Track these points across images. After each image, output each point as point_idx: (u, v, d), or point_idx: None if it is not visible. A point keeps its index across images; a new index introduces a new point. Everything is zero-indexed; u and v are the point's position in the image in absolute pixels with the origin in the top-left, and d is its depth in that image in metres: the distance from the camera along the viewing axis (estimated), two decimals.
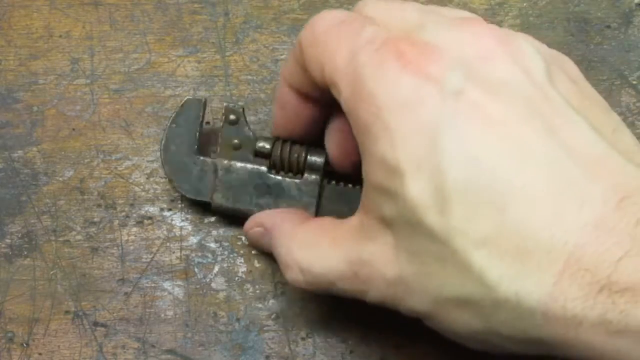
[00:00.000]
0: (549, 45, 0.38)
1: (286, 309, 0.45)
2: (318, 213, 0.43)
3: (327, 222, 0.39)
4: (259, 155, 0.43)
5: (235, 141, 0.43)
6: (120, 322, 0.45)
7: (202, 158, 0.44)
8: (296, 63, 0.39)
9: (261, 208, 0.43)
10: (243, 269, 0.46)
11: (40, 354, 0.44)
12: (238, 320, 0.45)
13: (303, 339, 0.45)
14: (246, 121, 0.44)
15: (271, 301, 0.46)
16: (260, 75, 0.50)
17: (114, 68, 0.50)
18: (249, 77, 0.50)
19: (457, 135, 0.31)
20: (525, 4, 0.51)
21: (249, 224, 0.43)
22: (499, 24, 0.50)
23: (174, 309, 0.45)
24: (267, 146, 0.43)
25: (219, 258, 0.46)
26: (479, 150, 0.31)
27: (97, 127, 0.48)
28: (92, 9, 0.51)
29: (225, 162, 0.43)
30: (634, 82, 0.50)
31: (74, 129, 0.48)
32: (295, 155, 0.43)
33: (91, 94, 0.49)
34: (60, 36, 0.50)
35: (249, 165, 0.43)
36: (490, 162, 0.31)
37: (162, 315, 0.45)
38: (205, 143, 0.45)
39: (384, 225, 0.34)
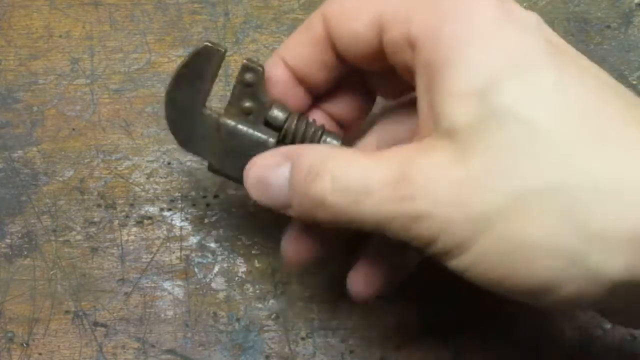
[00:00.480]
0: None
1: (286, 309, 0.45)
2: None
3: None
4: (270, 125, 0.39)
5: (247, 104, 0.39)
6: (120, 322, 0.45)
7: (208, 112, 0.39)
8: (310, 40, 0.39)
9: None
10: (243, 269, 0.46)
11: (40, 354, 0.44)
12: (238, 320, 0.45)
13: (303, 339, 0.45)
14: (263, 84, 0.39)
15: (271, 301, 0.46)
16: None
17: (114, 68, 0.50)
18: None
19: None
20: (525, 4, 0.51)
21: (255, 161, 0.38)
22: None
23: (174, 309, 0.45)
24: (281, 116, 0.39)
25: (219, 258, 0.46)
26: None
27: (97, 127, 0.48)
28: (92, 9, 0.51)
29: (232, 124, 0.39)
30: (634, 82, 0.50)
31: (74, 129, 0.48)
32: (311, 131, 0.39)
33: (91, 94, 0.49)
34: (60, 36, 0.50)
35: (256, 134, 0.39)
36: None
37: (162, 315, 0.45)
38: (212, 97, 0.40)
39: (447, 135, 0.33)
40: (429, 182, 0.32)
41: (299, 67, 0.39)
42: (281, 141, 0.39)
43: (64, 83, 0.49)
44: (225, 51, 0.39)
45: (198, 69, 0.39)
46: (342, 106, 0.42)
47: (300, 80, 0.40)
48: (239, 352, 0.45)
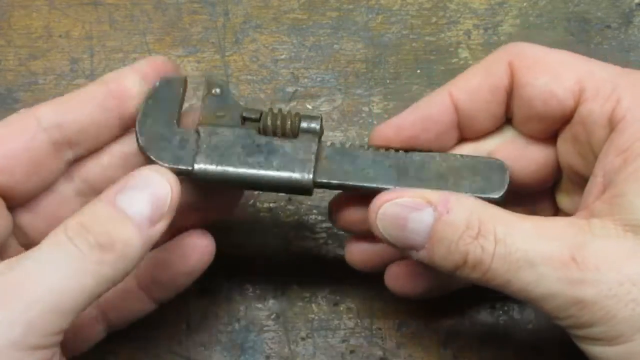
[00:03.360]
0: (549, 45, 0.38)
1: (286, 309, 0.45)
2: (316, 173, 0.38)
3: (529, 215, 0.35)
4: (248, 120, 0.39)
5: (220, 113, 0.39)
6: None
7: (182, 129, 0.38)
8: (489, 87, 0.37)
9: (251, 167, 0.38)
10: (243, 269, 0.46)
11: None
12: (238, 320, 0.45)
13: (303, 339, 0.45)
14: (230, 93, 0.39)
15: (271, 301, 0.46)
16: (260, 75, 0.50)
17: (114, 68, 0.49)
18: (249, 77, 0.50)
19: None
20: (525, 4, 0.51)
21: (385, 197, 0.36)
22: (499, 24, 0.51)
23: (174, 309, 0.45)
24: (256, 111, 0.39)
25: (219, 258, 0.46)
26: None
27: None
28: (92, 8, 0.51)
29: (209, 127, 0.38)
30: None
31: None
32: (289, 120, 0.39)
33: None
34: (60, 36, 0.50)
35: (237, 128, 0.38)
36: None
37: (163, 315, 0.45)
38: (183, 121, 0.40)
39: (628, 228, 0.32)
40: (602, 271, 0.32)
41: (466, 111, 0.38)
42: (261, 132, 0.38)
43: (64, 83, 0.49)
44: (186, 78, 0.39)
45: (164, 97, 0.38)
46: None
47: (461, 122, 0.39)
48: (239, 352, 0.45)
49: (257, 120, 0.39)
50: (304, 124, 0.38)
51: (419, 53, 0.50)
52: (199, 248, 0.40)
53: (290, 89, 0.49)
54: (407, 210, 0.35)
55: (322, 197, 0.47)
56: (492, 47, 0.50)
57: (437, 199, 0.35)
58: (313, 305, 0.46)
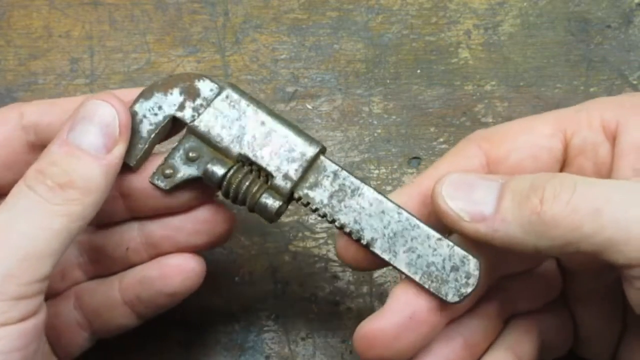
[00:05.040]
0: (549, 45, 0.38)
1: (286, 309, 0.45)
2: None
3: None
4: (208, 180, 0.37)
5: (192, 154, 0.38)
6: None
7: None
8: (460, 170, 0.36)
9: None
10: (243, 269, 0.46)
11: None
12: (238, 320, 0.45)
13: (303, 339, 0.45)
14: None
15: (271, 301, 0.46)
16: (260, 75, 0.50)
17: (114, 68, 0.50)
18: (249, 77, 0.50)
19: None
20: (525, 4, 0.51)
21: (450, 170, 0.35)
22: (499, 24, 0.51)
23: (174, 310, 0.45)
24: (222, 170, 0.37)
25: (219, 258, 0.46)
26: None
27: None
28: (92, 8, 0.51)
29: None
30: (634, 82, 0.49)
31: None
32: (252, 179, 0.37)
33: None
34: (60, 36, 0.50)
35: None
36: None
37: (162, 315, 0.45)
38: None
39: None
40: None
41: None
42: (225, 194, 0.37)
43: (64, 83, 0.49)
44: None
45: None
46: None
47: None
48: (239, 353, 0.45)
49: (219, 182, 0.37)
50: (262, 200, 0.37)
51: (419, 53, 0.50)
52: (183, 270, 0.39)
53: (290, 89, 0.49)
54: (474, 178, 0.34)
55: None
56: (492, 47, 0.50)
57: (499, 176, 0.34)
58: (313, 305, 0.46)
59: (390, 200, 0.36)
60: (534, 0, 0.51)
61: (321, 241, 0.47)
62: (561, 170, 0.37)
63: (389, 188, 0.48)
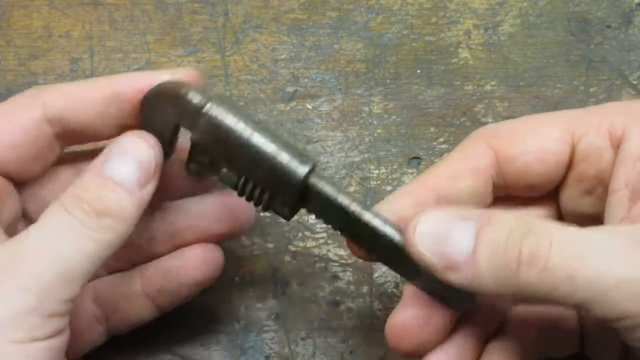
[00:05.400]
0: (550, 45, 0.38)
1: (286, 309, 0.45)
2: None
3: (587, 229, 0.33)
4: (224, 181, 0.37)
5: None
6: None
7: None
8: (469, 172, 0.36)
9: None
10: (243, 269, 0.46)
11: None
12: (238, 320, 0.45)
13: (303, 339, 0.45)
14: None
15: (271, 301, 0.46)
16: (260, 75, 0.50)
17: (114, 68, 0.50)
18: (249, 77, 0.50)
19: None
20: (525, 4, 0.51)
21: (424, 214, 0.33)
22: (499, 24, 0.51)
23: (174, 310, 0.45)
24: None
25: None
26: None
27: None
28: (92, 8, 0.51)
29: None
30: (634, 82, 0.50)
31: None
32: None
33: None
34: (60, 36, 0.50)
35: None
36: None
37: (163, 315, 0.45)
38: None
39: None
40: None
41: (448, 198, 0.36)
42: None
43: None
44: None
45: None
46: None
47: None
48: (239, 353, 0.45)
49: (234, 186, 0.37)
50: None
51: (419, 53, 0.50)
52: (206, 260, 0.40)
53: (290, 89, 0.49)
54: (449, 221, 0.33)
55: None
56: (492, 47, 0.50)
57: (476, 213, 0.33)
58: (313, 305, 0.46)
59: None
60: (534, 0, 0.51)
61: (321, 241, 0.47)
62: (566, 174, 0.37)
63: (388, 188, 0.48)
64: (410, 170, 0.48)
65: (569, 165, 0.36)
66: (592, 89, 0.49)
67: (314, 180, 0.36)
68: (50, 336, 0.33)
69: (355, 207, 0.36)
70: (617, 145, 0.35)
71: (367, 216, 0.36)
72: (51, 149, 0.38)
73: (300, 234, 0.47)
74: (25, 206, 0.39)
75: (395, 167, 0.48)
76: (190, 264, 0.40)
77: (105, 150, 0.36)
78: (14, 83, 0.49)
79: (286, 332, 0.45)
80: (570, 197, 0.37)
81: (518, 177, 0.37)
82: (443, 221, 0.33)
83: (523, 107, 0.49)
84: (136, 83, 0.37)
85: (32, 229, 0.34)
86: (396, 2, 0.51)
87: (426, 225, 0.33)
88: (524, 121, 0.37)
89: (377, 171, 0.48)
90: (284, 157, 0.36)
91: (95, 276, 0.40)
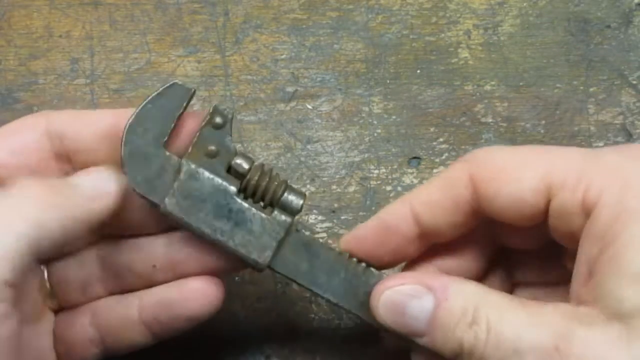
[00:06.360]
0: (549, 45, 0.38)
1: (286, 308, 0.45)
2: (272, 259, 0.38)
3: (520, 298, 0.36)
4: (232, 173, 0.38)
5: (212, 147, 0.38)
6: None
7: (167, 153, 0.37)
8: (449, 200, 0.37)
9: (214, 231, 0.37)
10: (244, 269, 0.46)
11: None
12: (238, 320, 0.45)
13: (303, 339, 0.45)
14: (231, 130, 0.38)
15: (271, 301, 0.46)
16: (260, 75, 0.50)
17: (114, 68, 0.50)
18: (249, 76, 0.50)
19: None
20: (525, 4, 0.51)
21: (386, 283, 0.37)
22: (499, 24, 0.51)
23: None
24: (245, 166, 0.38)
25: None
26: None
27: None
28: (92, 8, 0.51)
29: (193, 166, 0.37)
30: (634, 82, 0.50)
31: None
32: (274, 184, 0.38)
33: (91, 94, 0.49)
34: (60, 36, 0.50)
35: (217, 180, 0.37)
36: None
37: None
38: (176, 135, 0.39)
39: (613, 316, 0.32)
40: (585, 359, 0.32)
41: (428, 222, 0.38)
42: (242, 190, 0.38)
43: (64, 83, 0.49)
44: (194, 92, 0.38)
45: (163, 105, 0.37)
46: (461, 258, 0.40)
47: (423, 233, 0.38)
48: (239, 352, 0.45)
49: (242, 176, 0.38)
50: (286, 197, 0.38)
51: (419, 53, 0.50)
52: (203, 294, 0.39)
53: (290, 89, 0.49)
54: (407, 298, 0.36)
55: (322, 197, 0.47)
56: (492, 47, 0.50)
57: (437, 284, 0.35)
58: (313, 305, 0.46)
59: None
60: (533, 0, 0.51)
61: (321, 241, 0.47)
62: (543, 221, 0.37)
63: (388, 188, 0.48)
64: (410, 170, 0.48)
65: (545, 214, 0.36)
66: (591, 89, 0.49)
67: (275, 266, 0.38)
68: None
69: (315, 289, 0.39)
70: (589, 213, 0.34)
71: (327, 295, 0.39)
72: (48, 166, 0.38)
73: None
74: None
75: (395, 167, 0.48)
76: (189, 297, 0.39)
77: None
78: (14, 83, 0.49)
79: (286, 332, 0.45)
80: (553, 228, 0.37)
81: (497, 215, 0.37)
82: (403, 295, 0.36)
83: (523, 107, 0.49)
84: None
85: None
86: (396, 2, 0.51)
87: (387, 297, 0.36)
88: (508, 158, 0.37)
89: (377, 171, 0.48)
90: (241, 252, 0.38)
91: (95, 297, 0.40)
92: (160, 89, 0.37)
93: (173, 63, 0.50)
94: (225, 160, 0.38)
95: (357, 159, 0.48)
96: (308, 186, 0.48)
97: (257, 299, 0.45)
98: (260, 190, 0.38)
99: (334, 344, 0.45)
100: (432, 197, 0.38)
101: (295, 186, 0.39)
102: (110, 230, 0.39)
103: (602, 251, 0.33)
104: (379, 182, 0.48)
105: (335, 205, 0.47)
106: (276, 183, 0.38)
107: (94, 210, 0.36)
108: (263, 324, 0.45)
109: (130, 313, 0.39)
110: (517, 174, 0.36)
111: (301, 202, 0.38)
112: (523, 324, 0.33)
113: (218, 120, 0.38)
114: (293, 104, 0.49)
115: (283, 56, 0.50)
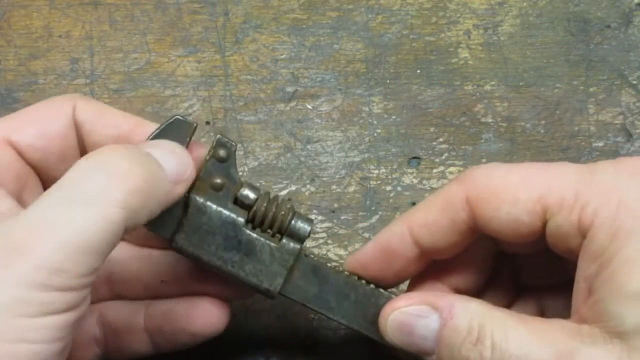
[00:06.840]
0: (549, 45, 0.38)
1: (286, 309, 0.45)
2: (283, 286, 0.39)
3: (523, 314, 0.36)
4: (239, 204, 0.38)
5: (218, 180, 0.38)
6: None
7: None
8: (447, 222, 0.37)
9: (224, 263, 0.38)
10: None
11: None
12: (238, 320, 0.45)
13: (303, 338, 0.45)
14: (235, 161, 0.39)
15: (271, 301, 0.46)
16: (260, 75, 0.50)
17: (114, 68, 0.50)
18: (249, 77, 0.50)
19: None
20: (525, 4, 0.51)
21: (394, 304, 0.38)
22: (499, 24, 0.51)
23: None
24: (252, 196, 0.38)
25: None
26: None
27: None
28: (92, 8, 0.51)
29: (200, 200, 0.38)
30: (634, 82, 0.50)
31: None
32: (281, 213, 0.39)
33: (91, 94, 0.49)
34: (60, 36, 0.50)
35: (225, 212, 0.38)
36: None
37: None
38: None
39: (614, 335, 0.33)
40: None
41: (427, 244, 0.38)
42: (250, 221, 0.38)
43: (64, 83, 0.49)
44: (196, 126, 0.38)
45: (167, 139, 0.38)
46: (465, 270, 0.41)
47: (423, 253, 0.39)
48: (239, 352, 0.45)
49: (249, 207, 0.38)
50: (294, 224, 0.39)
51: (419, 53, 0.50)
52: (208, 314, 0.40)
53: (290, 89, 0.49)
54: (414, 318, 0.37)
55: (322, 197, 0.47)
56: (492, 47, 0.50)
57: (443, 304, 0.36)
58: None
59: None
60: (533, 0, 0.51)
61: (321, 241, 0.47)
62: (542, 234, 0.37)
63: (388, 188, 0.48)
64: (410, 170, 0.48)
65: (542, 234, 0.36)
66: (591, 89, 0.49)
67: (286, 292, 0.39)
68: (65, 310, 0.31)
69: (326, 312, 0.40)
70: (585, 233, 0.34)
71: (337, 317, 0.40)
72: (73, 156, 0.38)
73: None
74: None
75: (395, 167, 0.48)
76: (196, 314, 0.39)
77: (147, 141, 0.36)
78: (14, 83, 0.49)
79: (286, 332, 0.45)
80: (552, 245, 0.37)
81: (494, 234, 0.37)
82: (410, 315, 0.37)
83: (523, 107, 0.49)
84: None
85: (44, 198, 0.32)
86: (396, 2, 0.51)
87: (395, 318, 0.37)
88: (503, 178, 0.37)
89: (377, 171, 0.48)
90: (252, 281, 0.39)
91: (103, 298, 0.40)
92: (163, 125, 0.38)
93: (173, 63, 0.50)
94: (231, 191, 0.38)
95: (357, 159, 0.48)
96: (308, 186, 0.48)
97: (256, 299, 0.45)
98: (268, 220, 0.38)
99: (334, 344, 0.45)
100: (429, 218, 0.38)
101: (302, 214, 0.39)
102: (129, 237, 0.40)
103: (600, 270, 0.33)
104: (378, 182, 0.48)
105: (335, 205, 0.47)
106: (283, 212, 0.39)
107: (173, 198, 0.36)
108: (263, 324, 0.45)
109: (136, 319, 0.40)
110: (513, 196, 0.36)
111: (309, 228, 0.39)
112: (527, 342, 0.34)
113: (222, 153, 0.38)
114: (293, 104, 0.49)
115: (283, 56, 0.50)
